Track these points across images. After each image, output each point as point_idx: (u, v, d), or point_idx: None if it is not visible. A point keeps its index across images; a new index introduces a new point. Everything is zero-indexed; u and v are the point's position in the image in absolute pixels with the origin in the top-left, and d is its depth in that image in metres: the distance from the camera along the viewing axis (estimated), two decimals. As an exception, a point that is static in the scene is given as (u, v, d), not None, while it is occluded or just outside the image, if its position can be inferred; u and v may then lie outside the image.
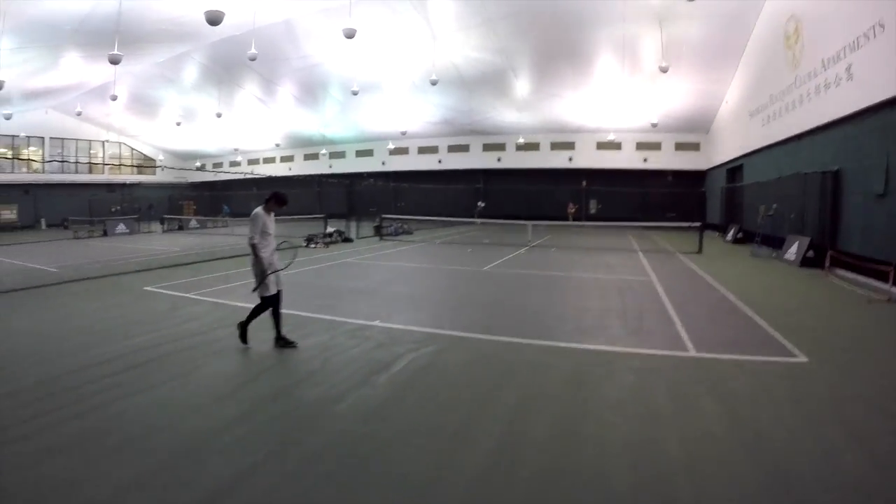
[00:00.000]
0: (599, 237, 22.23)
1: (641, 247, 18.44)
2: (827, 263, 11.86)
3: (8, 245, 19.44)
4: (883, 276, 9.64)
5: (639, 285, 10.18)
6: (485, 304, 8.42)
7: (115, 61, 17.19)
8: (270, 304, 5.76)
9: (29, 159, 36.79)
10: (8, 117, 30.07)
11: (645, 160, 31.70)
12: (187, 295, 9.04)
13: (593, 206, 33.94)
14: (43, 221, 35.11)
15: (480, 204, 34.01)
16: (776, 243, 15.55)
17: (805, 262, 13.00)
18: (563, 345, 5.94)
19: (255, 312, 5.84)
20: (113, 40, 17.28)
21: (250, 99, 32.28)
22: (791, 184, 15.21)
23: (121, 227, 26.96)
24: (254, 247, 5.61)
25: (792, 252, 13.97)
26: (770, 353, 5.69)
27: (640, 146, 31.66)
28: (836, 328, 7.13)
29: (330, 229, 20.01)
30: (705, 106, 26.13)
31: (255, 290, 5.75)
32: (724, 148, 25.24)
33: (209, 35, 22.39)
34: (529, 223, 20.47)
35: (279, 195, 5.80)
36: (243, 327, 5.84)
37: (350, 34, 17.36)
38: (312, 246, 17.79)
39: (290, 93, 31.30)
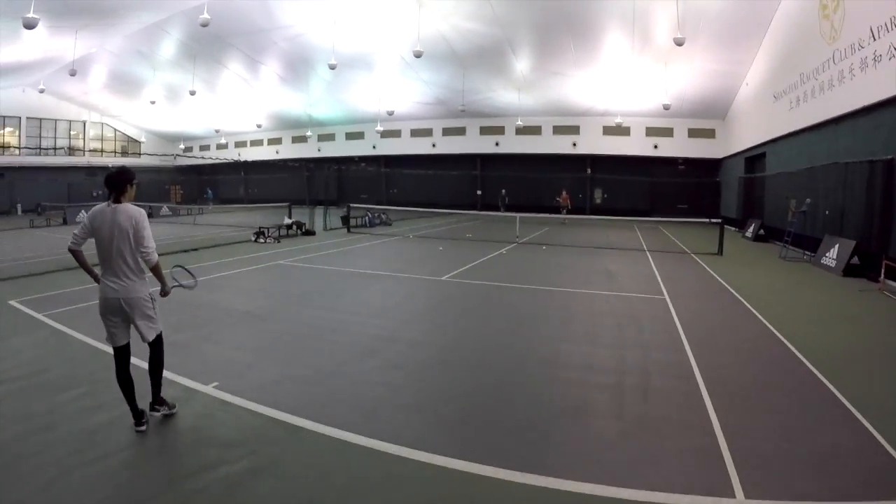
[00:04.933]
0: (602, 232, 19.80)
1: (650, 245, 16.03)
2: (882, 275, 9.62)
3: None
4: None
5: (647, 311, 7.58)
6: (402, 353, 5.56)
7: (29, 25, 14.76)
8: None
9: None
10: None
11: (655, 147, 29.10)
12: (36, 315, 6.87)
13: (598, 196, 31.54)
14: (19, 207, 33.11)
15: (503, 192, 30.60)
16: (809, 244, 13.33)
17: (848, 271, 10.80)
18: (493, 475, 3.11)
19: (159, 370, 3.85)
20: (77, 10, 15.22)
21: (229, 74, 30.00)
22: (827, 175, 12.90)
23: (82, 215, 24.20)
24: (157, 265, 3.71)
25: (831, 257, 11.73)
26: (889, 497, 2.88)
27: (651, 132, 29.05)
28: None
29: (288, 220, 17.71)
30: (723, 88, 23.34)
31: (152, 332, 3.75)
32: (743, 134, 22.61)
33: (174, 2, 20.82)
34: (517, 215, 17.89)
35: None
36: (157, 401, 3.81)
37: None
38: (261, 241, 15.44)
39: (272, 69, 28.87)
